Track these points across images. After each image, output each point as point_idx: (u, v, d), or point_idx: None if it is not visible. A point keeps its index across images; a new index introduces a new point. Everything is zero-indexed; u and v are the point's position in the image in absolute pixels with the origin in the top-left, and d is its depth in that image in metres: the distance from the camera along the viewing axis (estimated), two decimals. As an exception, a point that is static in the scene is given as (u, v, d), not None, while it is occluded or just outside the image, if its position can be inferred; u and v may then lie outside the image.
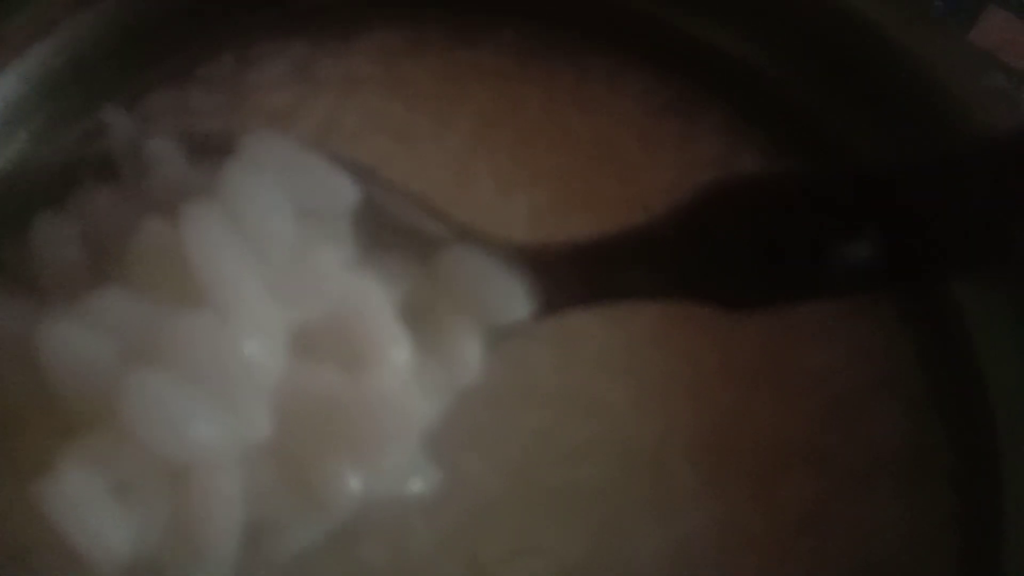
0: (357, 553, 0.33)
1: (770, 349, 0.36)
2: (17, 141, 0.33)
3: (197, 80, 0.39)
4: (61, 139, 0.33)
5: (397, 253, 0.30)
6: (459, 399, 0.32)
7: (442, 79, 0.40)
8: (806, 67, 0.38)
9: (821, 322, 0.37)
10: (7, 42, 0.32)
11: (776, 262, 0.29)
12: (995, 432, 0.34)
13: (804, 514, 0.34)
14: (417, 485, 0.30)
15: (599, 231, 0.31)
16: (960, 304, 0.35)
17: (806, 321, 0.37)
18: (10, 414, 0.29)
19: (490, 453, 0.35)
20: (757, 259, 0.29)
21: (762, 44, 0.38)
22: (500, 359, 0.35)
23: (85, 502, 0.26)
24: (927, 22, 0.37)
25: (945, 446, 0.35)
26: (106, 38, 0.33)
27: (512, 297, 0.30)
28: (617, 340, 0.36)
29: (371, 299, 0.29)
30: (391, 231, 0.31)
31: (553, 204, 0.38)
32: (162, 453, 0.26)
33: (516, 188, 0.38)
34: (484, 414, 0.35)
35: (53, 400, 0.27)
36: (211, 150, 0.29)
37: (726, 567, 0.34)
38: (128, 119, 0.31)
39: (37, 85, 0.33)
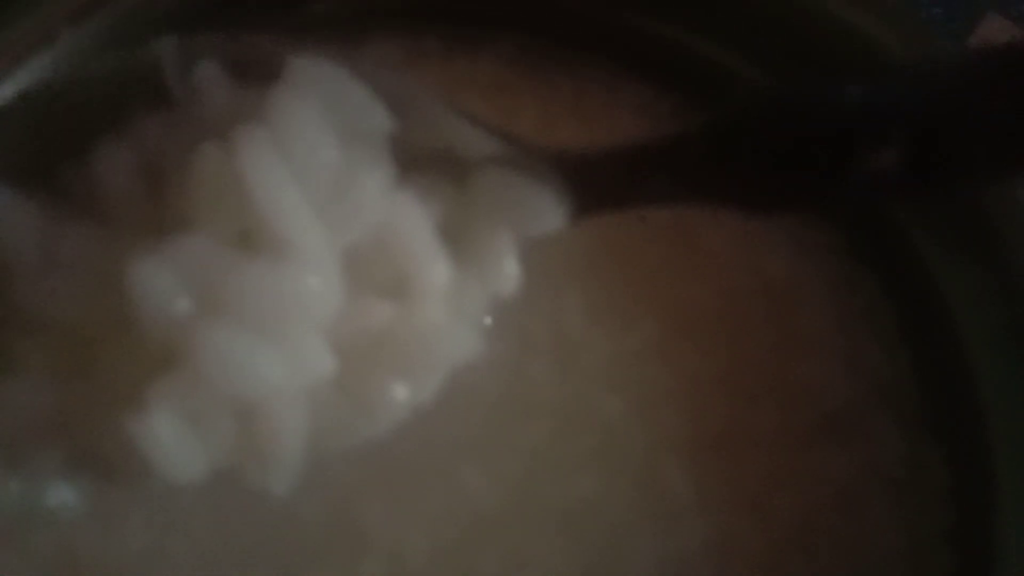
0: (356, 569, 0.34)
1: (766, 363, 0.36)
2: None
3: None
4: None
5: (432, 175, 0.31)
6: (458, 411, 0.33)
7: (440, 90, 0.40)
8: (803, 81, 0.38)
9: (817, 336, 0.37)
10: (6, 53, 0.32)
11: (798, 168, 0.30)
12: (990, 448, 0.34)
13: (799, 529, 0.34)
14: None
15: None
16: (956, 319, 0.35)
17: (802, 335, 0.37)
18: (91, 337, 0.30)
19: (488, 467, 0.35)
20: (780, 164, 0.30)
21: (758, 59, 0.38)
22: (499, 371, 0.36)
23: (169, 434, 0.28)
24: (925, 35, 0.37)
25: (940, 462, 0.35)
26: (105, 52, 0.33)
27: (546, 209, 0.31)
28: (615, 352, 0.37)
29: (412, 222, 0.30)
30: (426, 154, 0.31)
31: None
32: (233, 393, 0.28)
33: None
34: (482, 427, 0.35)
35: (134, 329, 0.28)
36: (258, 75, 0.30)
37: (720, 581, 0.34)
38: (178, 47, 0.31)
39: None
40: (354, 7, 0.39)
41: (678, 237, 0.38)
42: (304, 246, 0.28)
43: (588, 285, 0.37)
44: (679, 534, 0.34)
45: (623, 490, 0.35)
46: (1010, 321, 0.34)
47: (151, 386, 0.28)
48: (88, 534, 0.35)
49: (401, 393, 0.30)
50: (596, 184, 0.31)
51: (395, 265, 0.30)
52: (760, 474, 0.35)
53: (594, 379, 0.36)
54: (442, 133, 0.31)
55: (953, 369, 0.35)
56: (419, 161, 0.31)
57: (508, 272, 0.32)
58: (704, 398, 0.36)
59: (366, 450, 0.35)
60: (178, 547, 0.34)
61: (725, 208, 0.32)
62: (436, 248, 0.30)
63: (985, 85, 0.29)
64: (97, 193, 0.30)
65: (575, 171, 0.31)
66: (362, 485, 0.34)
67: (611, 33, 0.39)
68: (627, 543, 0.34)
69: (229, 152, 0.28)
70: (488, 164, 0.31)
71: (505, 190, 0.31)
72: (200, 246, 0.28)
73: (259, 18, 0.33)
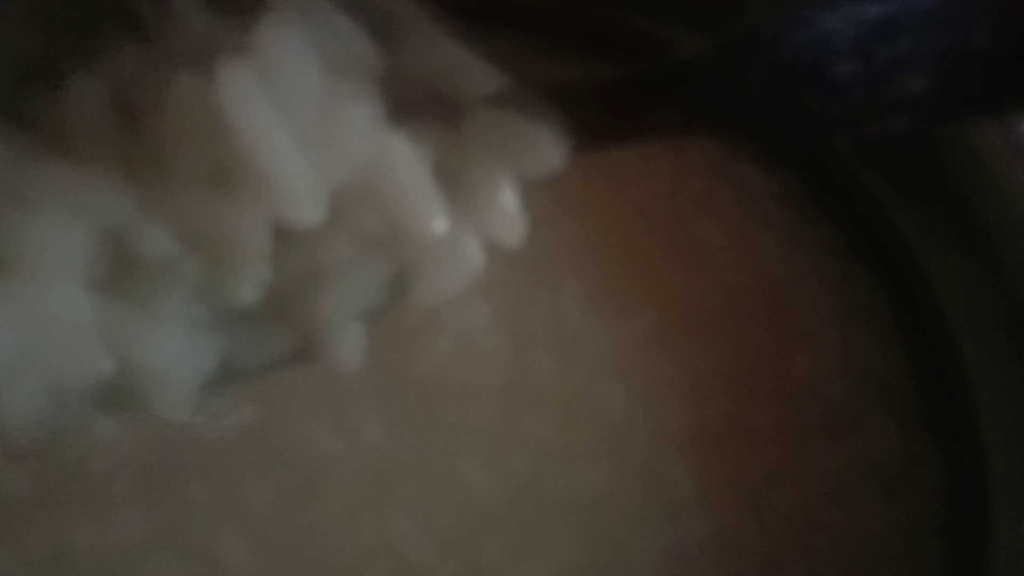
0: (360, 564, 0.34)
1: (763, 358, 0.37)
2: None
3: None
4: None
5: (425, 115, 0.29)
6: (459, 405, 0.34)
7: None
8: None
9: (813, 332, 0.37)
10: None
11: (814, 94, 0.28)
12: (983, 443, 0.35)
13: (795, 523, 0.35)
14: None
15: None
16: (951, 316, 0.36)
17: (799, 331, 0.37)
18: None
19: (491, 460, 0.35)
20: (785, 96, 0.28)
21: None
22: (499, 364, 0.36)
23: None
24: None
25: (934, 457, 0.36)
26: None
27: (545, 148, 0.29)
28: (615, 343, 0.37)
29: (404, 164, 0.28)
30: (419, 92, 0.29)
31: (549, 210, 0.38)
32: None
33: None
34: (484, 420, 0.35)
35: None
36: (238, 4, 0.28)
37: (719, 575, 0.34)
38: None
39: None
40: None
41: (676, 231, 0.38)
42: (286, 180, 0.26)
43: (586, 278, 0.38)
44: (677, 526, 0.35)
45: (622, 482, 0.35)
46: (1004, 318, 0.35)
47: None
48: (84, 533, 0.35)
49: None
50: (596, 119, 0.30)
51: (386, 211, 0.28)
52: (758, 468, 0.35)
53: (596, 369, 0.36)
54: (436, 66, 0.29)
55: (947, 365, 0.36)
56: (411, 100, 0.29)
57: (508, 214, 0.29)
58: (704, 392, 0.36)
59: (368, 448, 0.35)
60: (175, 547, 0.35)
61: (728, 138, 0.31)
62: (432, 193, 0.28)
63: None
64: (68, 127, 0.28)
65: (574, 105, 0.29)
66: (365, 481, 0.35)
67: (607, 32, 0.39)
68: (630, 535, 0.35)
69: (208, 85, 0.26)
70: (484, 102, 0.29)
71: (502, 129, 0.29)
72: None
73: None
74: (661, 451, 0.35)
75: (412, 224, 0.28)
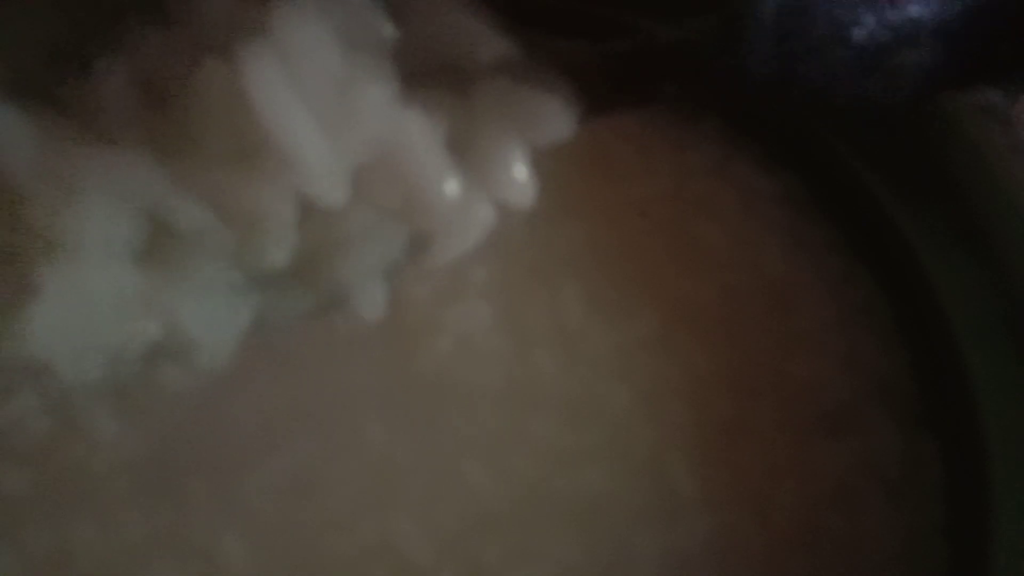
0: (362, 566, 0.34)
1: (765, 358, 0.37)
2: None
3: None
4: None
5: (436, 87, 0.30)
6: (462, 406, 0.34)
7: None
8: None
9: (815, 332, 0.37)
10: None
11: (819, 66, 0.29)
12: (985, 444, 0.35)
13: (797, 525, 0.35)
14: None
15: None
16: (952, 316, 0.36)
17: (800, 331, 0.37)
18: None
19: (493, 462, 0.35)
20: (798, 62, 0.29)
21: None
22: (501, 364, 0.35)
23: None
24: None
25: (935, 458, 0.36)
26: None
27: (554, 116, 0.30)
28: (616, 344, 0.37)
29: (418, 138, 0.29)
30: (430, 63, 0.30)
31: (551, 210, 0.38)
32: None
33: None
34: (485, 419, 0.35)
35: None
36: None
37: None
38: None
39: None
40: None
41: (677, 231, 0.38)
42: (308, 160, 0.27)
43: (587, 278, 0.38)
44: (680, 528, 0.35)
45: (625, 483, 0.35)
46: (1005, 318, 0.35)
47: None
48: (84, 533, 0.35)
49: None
50: (602, 88, 0.30)
51: (403, 183, 0.29)
52: (760, 469, 0.35)
53: (598, 370, 0.36)
54: (446, 36, 0.30)
55: (949, 365, 0.36)
56: (422, 70, 0.30)
57: (519, 181, 0.30)
58: (705, 392, 0.36)
59: (369, 449, 0.35)
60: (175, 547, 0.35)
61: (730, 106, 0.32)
62: (445, 164, 0.29)
63: None
64: (99, 110, 0.29)
65: (581, 75, 0.30)
66: (366, 483, 0.35)
67: (607, 31, 0.39)
68: (629, 536, 0.34)
69: (232, 68, 0.27)
70: (493, 72, 0.30)
71: (510, 97, 0.30)
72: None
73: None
74: (663, 451, 0.35)
75: (427, 195, 0.29)
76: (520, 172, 0.30)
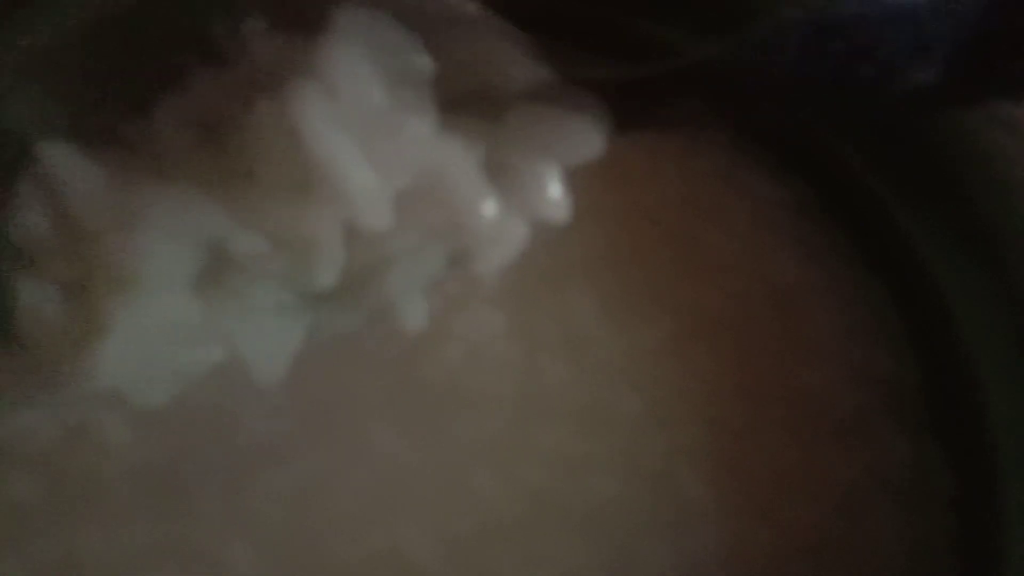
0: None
1: (775, 368, 0.37)
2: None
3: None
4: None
5: (472, 114, 0.32)
6: (473, 415, 0.35)
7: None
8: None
9: (825, 342, 0.37)
10: None
11: (840, 84, 0.30)
12: (995, 455, 0.35)
13: (808, 536, 0.35)
14: None
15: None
16: (963, 326, 0.36)
17: (811, 340, 0.37)
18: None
19: (504, 470, 0.35)
20: (821, 80, 0.30)
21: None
22: (512, 370, 0.36)
23: None
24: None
25: (945, 468, 0.36)
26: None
27: (585, 137, 0.32)
28: (627, 350, 0.37)
29: (457, 160, 0.31)
30: (465, 93, 0.32)
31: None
32: None
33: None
34: (495, 427, 0.35)
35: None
36: (303, 26, 0.31)
37: (732, 588, 0.34)
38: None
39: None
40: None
41: (687, 239, 0.38)
42: (355, 190, 0.29)
43: (597, 285, 0.38)
44: (691, 538, 0.35)
45: (636, 492, 0.35)
46: (1016, 329, 0.35)
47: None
48: (91, 541, 0.35)
49: None
50: (632, 109, 0.32)
51: (444, 206, 0.31)
52: (770, 478, 0.35)
53: (607, 377, 0.36)
54: (481, 66, 0.32)
55: (959, 375, 0.36)
56: (459, 99, 0.32)
57: (554, 199, 0.32)
58: (716, 400, 0.36)
59: (379, 457, 0.35)
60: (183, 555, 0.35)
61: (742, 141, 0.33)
62: (482, 187, 0.31)
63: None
64: (161, 148, 0.31)
65: (608, 96, 0.32)
66: (375, 491, 0.35)
67: (617, 37, 0.39)
68: (640, 545, 0.34)
69: (283, 107, 0.29)
70: (526, 96, 0.32)
71: (544, 121, 0.32)
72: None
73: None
74: (673, 459, 0.35)
75: (466, 217, 0.31)
76: (555, 190, 0.32)
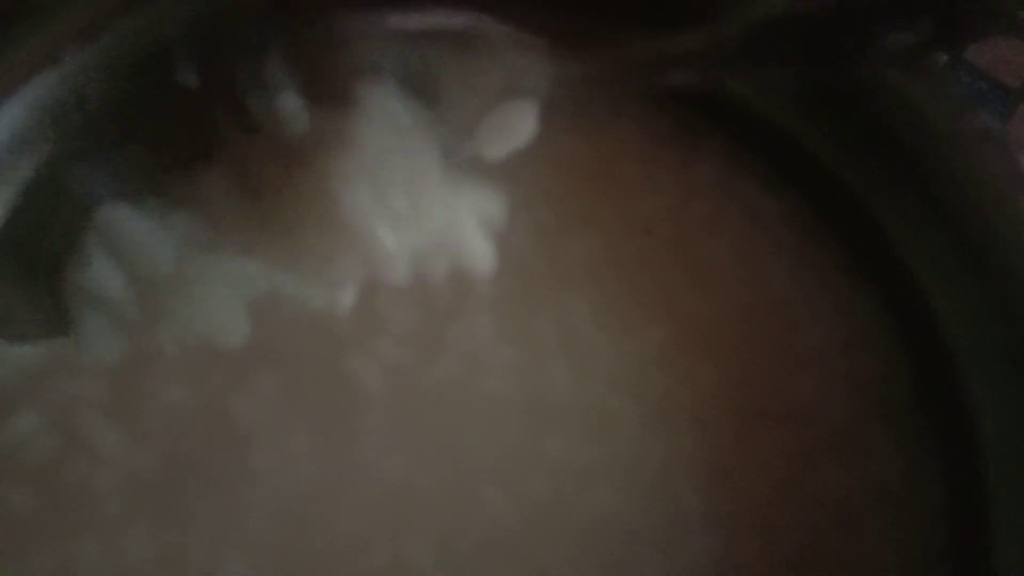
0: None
1: (770, 377, 0.37)
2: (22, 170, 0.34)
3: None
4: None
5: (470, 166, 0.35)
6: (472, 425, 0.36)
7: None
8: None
9: (820, 351, 0.37)
10: (11, 72, 0.33)
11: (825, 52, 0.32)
12: (986, 465, 0.35)
13: (800, 547, 0.35)
14: None
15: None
16: (955, 338, 0.36)
17: (804, 351, 0.37)
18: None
19: (500, 477, 0.35)
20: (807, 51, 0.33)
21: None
22: (510, 379, 0.36)
23: None
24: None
25: (937, 478, 0.36)
26: (112, 71, 0.34)
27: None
28: (622, 360, 0.37)
29: (465, 221, 0.35)
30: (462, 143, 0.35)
31: (554, 226, 0.39)
32: None
33: (518, 211, 0.38)
34: (494, 436, 0.36)
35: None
36: (333, 99, 0.33)
37: (726, 599, 0.35)
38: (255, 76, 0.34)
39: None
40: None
41: (682, 249, 0.38)
42: (384, 253, 0.33)
43: (593, 295, 0.38)
44: (685, 549, 0.35)
45: (632, 502, 0.35)
46: (1008, 340, 0.35)
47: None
48: (87, 552, 0.35)
49: None
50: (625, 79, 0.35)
51: (451, 258, 0.35)
52: (764, 491, 0.35)
53: (605, 386, 0.37)
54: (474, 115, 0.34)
55: (951, 387, 0.36)
56: (455, 152, 0.34)
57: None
58: (712, 411, 0.36)
59: (379, 469, 0.35)
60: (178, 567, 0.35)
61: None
62: (485, 246, 0.35)
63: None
64: (210, 209, 0.34)
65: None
66: (374, 504, 0.35)
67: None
68: (636, 556, 0.35)
69: (316, 171, 0.32)
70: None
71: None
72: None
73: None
74: (670, 469, 0.35)
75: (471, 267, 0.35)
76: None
